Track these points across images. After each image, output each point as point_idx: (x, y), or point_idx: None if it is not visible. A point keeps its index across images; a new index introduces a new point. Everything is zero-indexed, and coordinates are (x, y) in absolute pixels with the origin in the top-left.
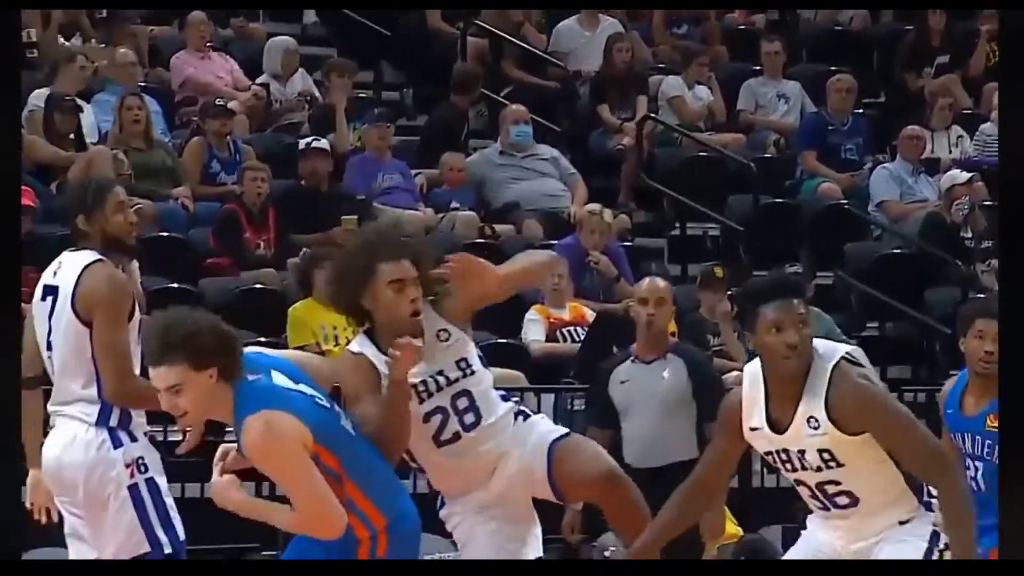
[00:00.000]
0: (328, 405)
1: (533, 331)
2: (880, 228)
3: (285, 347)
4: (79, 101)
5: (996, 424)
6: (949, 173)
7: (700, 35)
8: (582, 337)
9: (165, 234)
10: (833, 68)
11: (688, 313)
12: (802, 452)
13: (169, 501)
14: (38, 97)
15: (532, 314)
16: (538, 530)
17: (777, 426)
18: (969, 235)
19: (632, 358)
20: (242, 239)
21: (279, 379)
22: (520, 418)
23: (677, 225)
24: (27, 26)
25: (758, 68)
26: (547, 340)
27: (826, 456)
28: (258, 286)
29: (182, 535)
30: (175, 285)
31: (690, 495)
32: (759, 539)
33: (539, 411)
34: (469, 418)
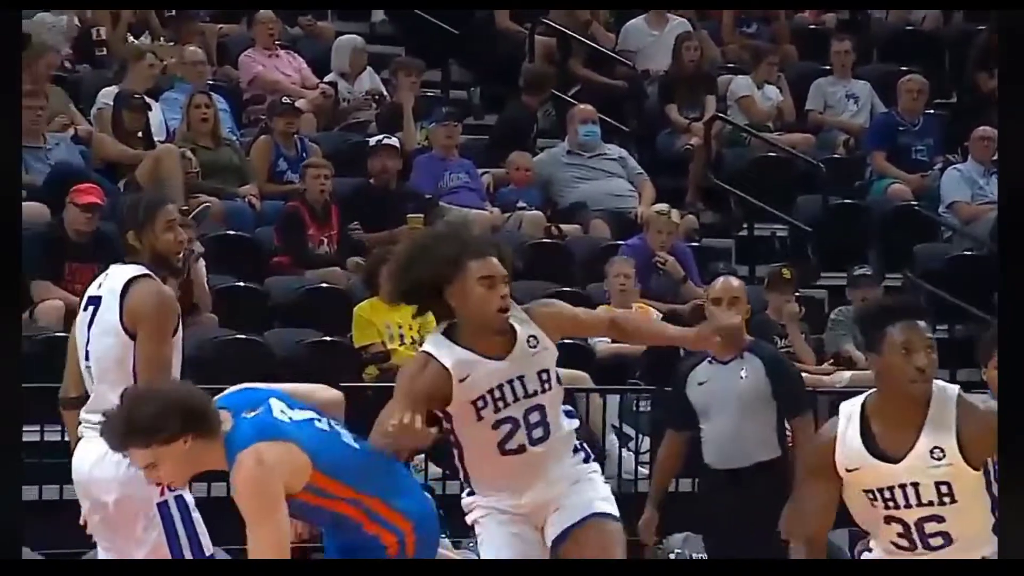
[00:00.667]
0: (327, 427)
1: None
2: (951, 229)
3: (350, 346)
4: (148, 99)
5: None
6: None
7: (769, 34)
8: None
9: (232, 233)
10: (904, 68)
11: (755, 315)
12: (915, 485)
13: (196, 516)
14: (107, 95)
15: None
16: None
17: (889, 457)
18: None
19: (709, 359)
20: (305, 237)
21: (277, 408)
22: (580, 455)
23: (745, 226)
24: (96, 24)
25: (828, 68)
26: (613, 341)
27: (943, 490)
28: (323, 285)
29: (209, 550)
30: (241, 284)
31: (811, 552)
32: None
33: (604, 411)
34: (538, 432)
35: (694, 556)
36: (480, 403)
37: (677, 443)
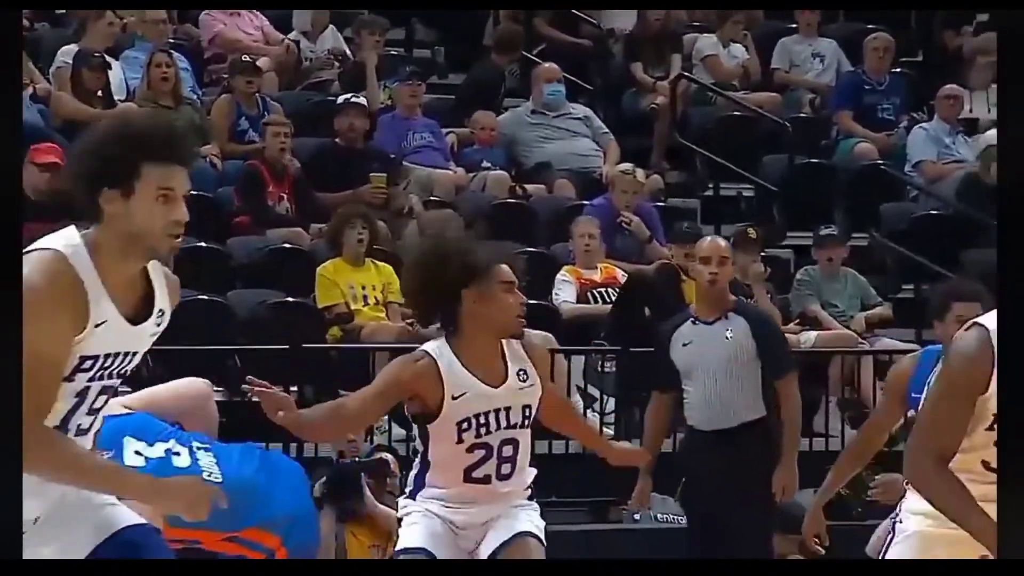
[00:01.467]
0: (189, 460)
1: (564, 292)
2: (916, 189)
3: (313, 307)
4: (108, 58)
5: None
6: (986, 134)
7: None
8: (613, 298)
9: (193, 193)
10: (870, 27)
11: None
12: None
13: None
14: (66, 54)
15: (563, 275)
16: None
17: None
18: None
19: (692, 319)
20: (265, 196)
21: (131, 449)
22: (528, 492)
23: (710, 185)
24: None
25: (793, 26)
26: (578, 301)
27: None
28: (286, 245)
29: None
30: (203, 244)
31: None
32: (791, 503)
33: (569, 372)
34: (506, 468)
35: (658, 517)
36: (465, 425)
37: (664, 404)
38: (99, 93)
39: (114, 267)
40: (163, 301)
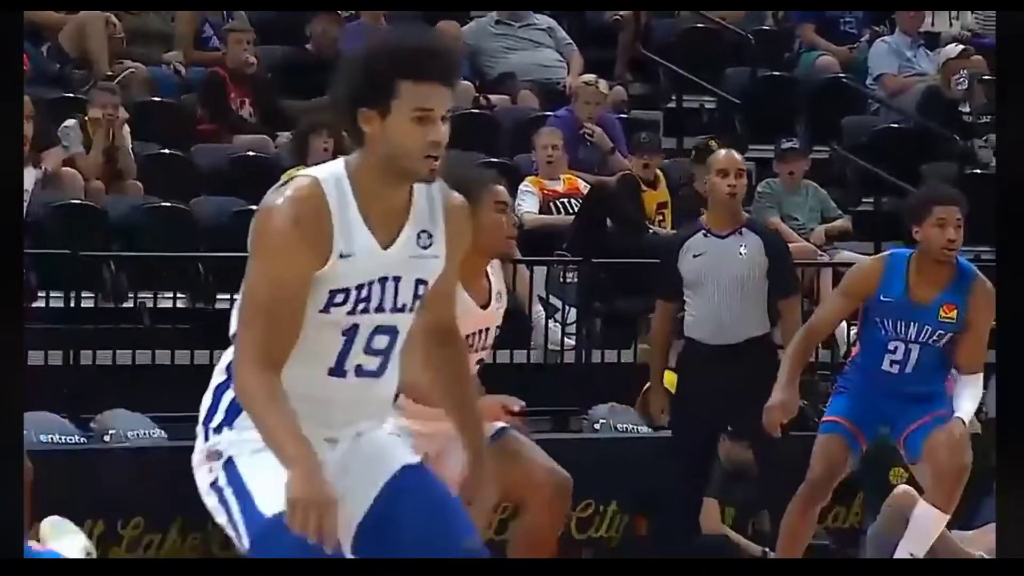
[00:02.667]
0: None
1: (527, 202)
2: (878, 102)
3: None
4: None
5: (951, 315)
6: (947, 47)
7: None
8: (576, 209)
9: (157, 100)
10: None
11: (682, 187)
12: None
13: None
14: None
15: (526, 185)
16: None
17: None
18: (968, 110)
19: (704, 232)
20: (228, 103)
21: None
22: None
23: (673, 97)
24: None
25: None
26: (541, 211)
27: None
28: (250, 153)
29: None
30: (166, 151)
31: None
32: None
33: (532, 282)
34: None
35: (619, 427)
36: None
37: (669, 312)
38: None
39: (375, 191)
40: (424, 222)
